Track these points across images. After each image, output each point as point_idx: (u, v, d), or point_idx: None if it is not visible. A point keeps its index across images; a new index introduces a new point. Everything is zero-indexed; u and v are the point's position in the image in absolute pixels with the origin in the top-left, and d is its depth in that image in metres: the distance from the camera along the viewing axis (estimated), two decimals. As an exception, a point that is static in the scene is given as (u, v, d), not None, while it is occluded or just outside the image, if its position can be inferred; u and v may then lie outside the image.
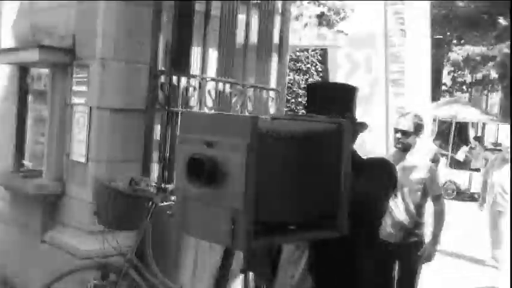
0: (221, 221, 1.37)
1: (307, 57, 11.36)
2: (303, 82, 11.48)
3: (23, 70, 5.25)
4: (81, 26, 4.58)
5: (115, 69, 4.38)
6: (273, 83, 5.84)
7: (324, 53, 10.97)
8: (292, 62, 11.50)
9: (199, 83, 4.85)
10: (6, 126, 5.49)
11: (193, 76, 4.79)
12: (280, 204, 1.45)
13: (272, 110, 5.86)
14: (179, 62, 4.67)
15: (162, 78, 4.55)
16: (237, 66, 5.24)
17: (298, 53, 11.36)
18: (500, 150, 10.53)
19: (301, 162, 1.49)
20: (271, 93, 5.75)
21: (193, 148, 1.42)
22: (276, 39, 5.73)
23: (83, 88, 4.47)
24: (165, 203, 4.02)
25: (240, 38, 5.23)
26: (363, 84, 7.95)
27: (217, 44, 5.01)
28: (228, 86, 5.13)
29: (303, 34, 7.58)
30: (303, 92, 11.69)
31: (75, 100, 4.55)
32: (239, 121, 1.36)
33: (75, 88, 4.56)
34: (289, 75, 11.42)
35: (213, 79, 4.98)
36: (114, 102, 4.37)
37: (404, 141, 4.57)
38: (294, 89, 11.44)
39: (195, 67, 4.87)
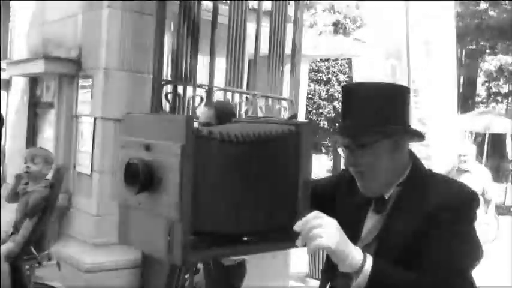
0: (159, 232, 1.25)
1: (328, 68, 11.17)
2: (324, 93, 11.29)
3: (33, 81, 5.26)
4: (87, 36, 4.56)
5: (119, 79, 4.33)
6: (286, 93, 5.71)
7: (347, 62, 10.79)
8: (312, 73, 11.35)
9: (207, 93, 4.76)
10: (17, 138, 5.51)
11: (200, 86, 4.70)
12: (229, 213, 1.31)
13: (285, 121, 5.72)
14: (185, 71, 4.59)
15: (167, 88, 4.47)
16: (247, 75, 5.14)
17: (318, 63, 11.20)
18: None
19: (256, 168, 1.35)
20: (284, 103, 5.62)
21: (131, 152, 1.31)
22: (288, 48, 5.61)
23: (88, 99, 4.44)
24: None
25: (250, 46, 5.13)
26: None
27: (226, 53, 4.92)
28: (237, 95, 5.02)
29: (318, 43, 7.42)
30: (324, 102, 11.51)
31: (80, 111, 4.52)
32: (174, 122, 1.23)
33: (80, 99, 4.53)
34: (309, 85, 11.25)
35: (220, 89, 4.88)
36: (117, 113, 4.31)
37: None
38: (315, 100, 11.25)
39: (202, 76, 4.78)
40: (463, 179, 5.82)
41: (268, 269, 5.05)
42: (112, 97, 4.31)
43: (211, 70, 4.75)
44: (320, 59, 10.93)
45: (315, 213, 1.38)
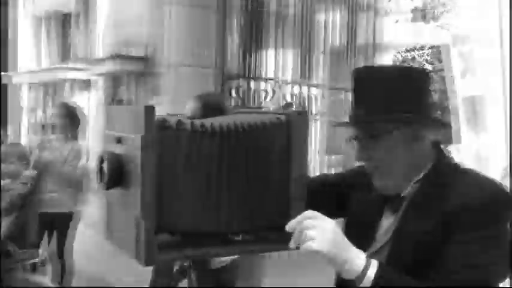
0: (129, 230, 1.18)
1: (413, 58, 10.65)
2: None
3: (109, 80, 5.44)
4: (155, 35, 4.64)
5: (184, 75, 4.36)
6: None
7: (434, 52, 10.21)
8: (398, 63, 10.88)
9: (274, 86, 4.68)
10: (98, 135, 5.73)
11: (267, 79, 4.64)
12: (209, 211, 1.21)
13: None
14: (250, 65, 4.54)
15: (233, 83, 4.45)
16: (316, 68, 5.00)
17: (403, 54, 10.70)
18: None
19: (237, 162, 1.23)
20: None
21: (107, 146, 1.25)
22: (362, 37, 5.40)
23: (157, 95, 4.52)
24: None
25: (319, 38, 4.99)
26: (478, 86, 7.20)
27: (293, 46, 4.82)
28: (305, 88, 4.90)
29: (401, 31, 7.06)
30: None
31: (149, 107, 4.61)
32: (136, 113, 1.15)
33: (150, 95, 4.62)
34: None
35: (288, 82, 4.78)
36: (182, 107, 4.34)
37: None
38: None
39: (268, 70, 4.71)
40: None
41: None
42: (178, 92, 4.36)
43: (277, 63, 4.68)
44: (406, 49, 10.46)
45: (310, 213, 1.24)
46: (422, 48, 10.18)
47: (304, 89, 4.90)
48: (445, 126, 1.52)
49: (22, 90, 9.31)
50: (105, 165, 1.19)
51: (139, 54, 4.71)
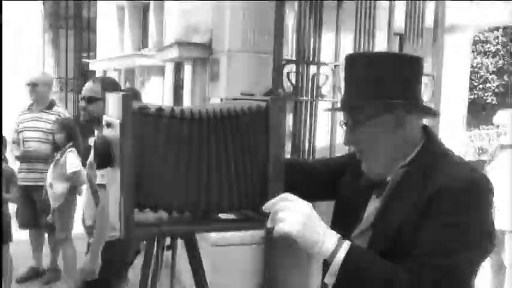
0: (115, 206, 1.31)
1: (497, 38, 10.02)
2: (492, 65, 10.19)
3: (177, 66, 5.67)
4: (216, 22, 4.77)
5: (241, 60, 4.47)
6: (428, 68, 5.33)
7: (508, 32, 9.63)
8: (480, 44, 10.32)
9: (332, 71, 4.67)
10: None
11: (324, 64, 4.63)
12: (188, 190, 1.31)
13: (426, 97, 5.36)
14: (308, 50, 4.55)
15: (289, 68, 4.49)
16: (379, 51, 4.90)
17: (486, 33, 10.12)
18: None
19: (220, 146, 1.33)
20: (425, 79, 5.26)
21: (103, 130, 1.39)
22: (429, 18, 5.21)
23: (216, 81, 4.66)
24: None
25: (381, 21, 4.89)
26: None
27: (353, 29, 4.75)
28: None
29: (482, 10, 6.68)
30: (492, 76, 10.41)
31: (210, 93, 4.76)
32: (117, 100, 1.27)
33: (210, 81, 4.77)
34: (476, 58, 10.26)
35: (348, 66, 4.74)
36: (237, 95, 4.46)
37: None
38: (482, 74, 10.21)
39: (327, 54, 4.70)
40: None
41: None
42: (235, 78, 4.47)
43: (336, 47, 4.64)
44: (488, 29, 9.90)
45: (285, 195, 1.30)
46: (505, 28, 9.60)
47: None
48: (431, 112, 1.52)
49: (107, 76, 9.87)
50: (96, 148, 1.33)
51: (202, 41, 4.87)
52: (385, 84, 1.42)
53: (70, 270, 4.81)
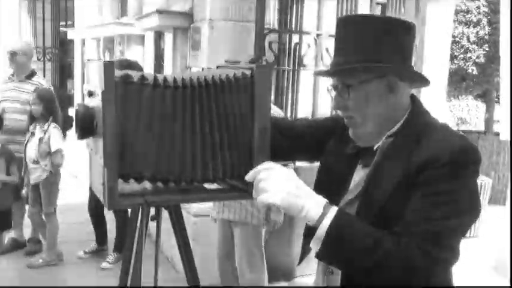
0: (99, 176, 1.29)
1: (478, 8, 10.04)
2: (473, 35, 10.22)
3: (157, 35, 5.58)
4: (197, -11, 4.68)
5: (223, 29, 4.40)
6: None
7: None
8: (461, 14, 10.33)
9: (315, 40, 4.63)
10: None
11: (306, 33, 4.59)
12: (173, 160, 1.29)
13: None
14: (290, 18, 4.51)
15: (271, 37, 4.44)
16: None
17: (467, 3, 10.12)
18: None
19: (204, 114, 1.30)
20: (406, 48, 5.25)
21: (84, 99, 1.36)
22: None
23: (197, 50, 4.59)
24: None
25: (364, -11, 4.85)
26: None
27: (336, -3, 4.71)
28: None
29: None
30: (473, 46, 10.44)
31: (191, 63, 4.70)
32: (100, 69, 1.24)
33: (190, 51, 4.70)
34: (456, 27, 10.27)
35: (330, 35, 4.71)
36: (221, 62, 4.40)
37: None
38: (463, 43, 10.24)
39: (309, 23, 4.66)
40: None
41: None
42: (217, 48, 4.41)
43: (319, 16, 4.61)
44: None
45: (266, 165, 1.28)
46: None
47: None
48: (423, 79, 1.46)
49: (86, 44, 9.68)
50: (77, 117, 1.30)
51: (182, 9, 4.79)
52: (380, 48, 1.38)
53: (53, 243, 4.82)
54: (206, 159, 1.33)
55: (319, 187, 1.52)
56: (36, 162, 4.61)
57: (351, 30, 1.41)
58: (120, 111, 1.23)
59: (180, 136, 1.29)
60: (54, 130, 4.61)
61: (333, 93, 1.47)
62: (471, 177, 1.33)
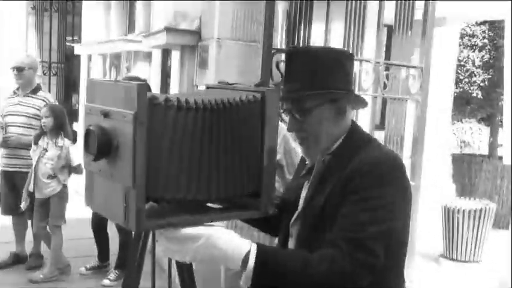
0: (117, 198, 1.28)
1: (484, 32, 10.09)
2: (478, 59, 10.26)
3: (165, 53, 5.60)
4: (205, 8, 4.71)
5: (231, 48, 4.43)
6: (416, 61, 5.35)
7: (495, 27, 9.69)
8: (467, 38, 10.38)
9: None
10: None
11: (314, 54, 4.61)
12: (191, 181, 1.30)
13: (414, 89, 5.37)
14: (298, 39, 4.53)
15: (278, 57, 4.46)
16: (369, 43, 4.90)
17: (473, 27, 10.17)
18: None
19: (218, 136, 1.34)
20: (412, 71, 5.27)
21: (93, 119, 1.34)
22: (418, 11, 5.22)
23: (204, 68, 4.61)
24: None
25: (371, 12, 4.88)
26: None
27: (344, 19, 4.73)
28: (357, 63, 4.82)
29: (469, 4, 6.70)
30: (478, 70, 10.47)
31: (198, 80, 4.72)
32: (128, 90, 1.24)
33: (198, 69, 4.72)
34: (462, 51, 10.32)
35: (337, 56, 4.73)
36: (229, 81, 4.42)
37: None
38: (468, 67, 10.27)
39: (317, 44, 4.68)
40: None
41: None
42: (224, 66, 4.43)
43: (326, 37, 4.62)
44: (476, 23, 9.95)
45: (174, 230, 1.33)
46: (493, 22, 9.61)
47: (356, 63, 4.82)
48: (363, 103, 1.66)
49: (92, 60, 9.74)
50: (92, 138, 1.29)
51: (190, 27, 4.82)
52: (330, 76, 1.55)
53: (56, 257, 4.80)
54: (220, 179, 1.34)
55: (287, 215, 1.66)
56: (52, 177, 4.66)
57: (303, 60, 1.58)
58: (147, 133, 1.24)
59: (197, 157, 1.31)
60: (69, 144, 4.71)
61: (286, 117, 1.62)
62: (395, 184, 1.45)
